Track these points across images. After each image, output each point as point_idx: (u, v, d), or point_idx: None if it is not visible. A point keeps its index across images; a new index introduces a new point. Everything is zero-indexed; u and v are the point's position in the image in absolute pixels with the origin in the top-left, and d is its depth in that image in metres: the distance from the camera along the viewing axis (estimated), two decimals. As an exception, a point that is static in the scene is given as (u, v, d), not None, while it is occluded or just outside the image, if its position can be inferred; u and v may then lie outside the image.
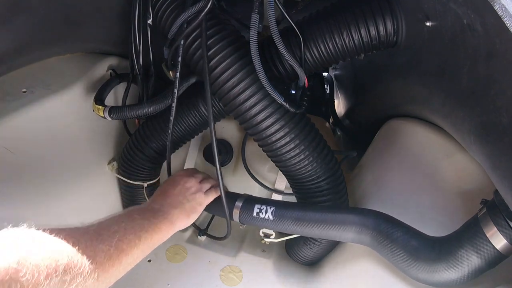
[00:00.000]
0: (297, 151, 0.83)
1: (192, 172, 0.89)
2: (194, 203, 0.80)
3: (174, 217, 0.73)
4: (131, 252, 0.56)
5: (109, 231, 0.53)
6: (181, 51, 0.80)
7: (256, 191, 1.25)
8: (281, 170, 0.94)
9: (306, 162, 0.85)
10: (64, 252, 0.44)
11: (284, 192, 1.19)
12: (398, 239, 0.70)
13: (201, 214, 0.83)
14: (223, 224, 0.90)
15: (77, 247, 0.46)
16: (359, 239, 0.76)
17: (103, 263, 0.49)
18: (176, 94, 0.86)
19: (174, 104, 0.87)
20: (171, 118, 0.87)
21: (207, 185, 0.87)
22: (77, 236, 0.48)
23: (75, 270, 0.44)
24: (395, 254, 0.70)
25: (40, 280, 0.39)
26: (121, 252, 0.53)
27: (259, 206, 0.82)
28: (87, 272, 0.46)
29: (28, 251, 0.40)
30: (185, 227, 0.77)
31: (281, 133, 0.81)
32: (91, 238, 0.50)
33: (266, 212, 0.81)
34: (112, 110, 0.92)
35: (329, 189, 0.89)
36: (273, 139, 0.82)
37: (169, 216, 0.71)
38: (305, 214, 0.79)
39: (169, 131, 0.89)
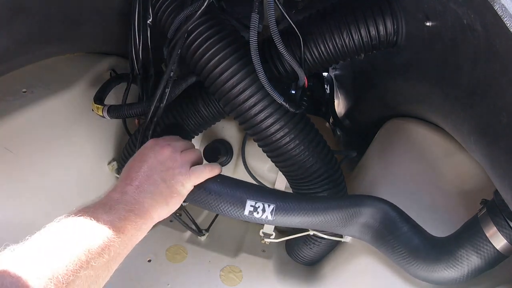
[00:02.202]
0: (297, 151, 0.83)
1: (169, 140, 0.65)
2: (174, 184, 0.59)
3: (150, 210, 0.55)
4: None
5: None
6: (178, 49, 0.79)
7: (256, 191, 1.25)
8: (281, 170, 0.94)
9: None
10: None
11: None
12: (400, 236, 0.69)
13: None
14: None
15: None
16: (361, 232, 0.74)
17: None
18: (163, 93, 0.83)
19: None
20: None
21: (191, 156, 0.63)
22: None
23: None
24: (396, 251, 0.70)
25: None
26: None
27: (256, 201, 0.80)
28: None
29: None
30: (166, 217, 0.59)
31: (281, 133, 0.81)
32: None
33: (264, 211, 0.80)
34: (111, 109, 0.92)
35: (329, 189, 0.88)
36: (273, 139, 0.82)
37: (141, 211, 0.54)
38: (309, 204, 0.74)
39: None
